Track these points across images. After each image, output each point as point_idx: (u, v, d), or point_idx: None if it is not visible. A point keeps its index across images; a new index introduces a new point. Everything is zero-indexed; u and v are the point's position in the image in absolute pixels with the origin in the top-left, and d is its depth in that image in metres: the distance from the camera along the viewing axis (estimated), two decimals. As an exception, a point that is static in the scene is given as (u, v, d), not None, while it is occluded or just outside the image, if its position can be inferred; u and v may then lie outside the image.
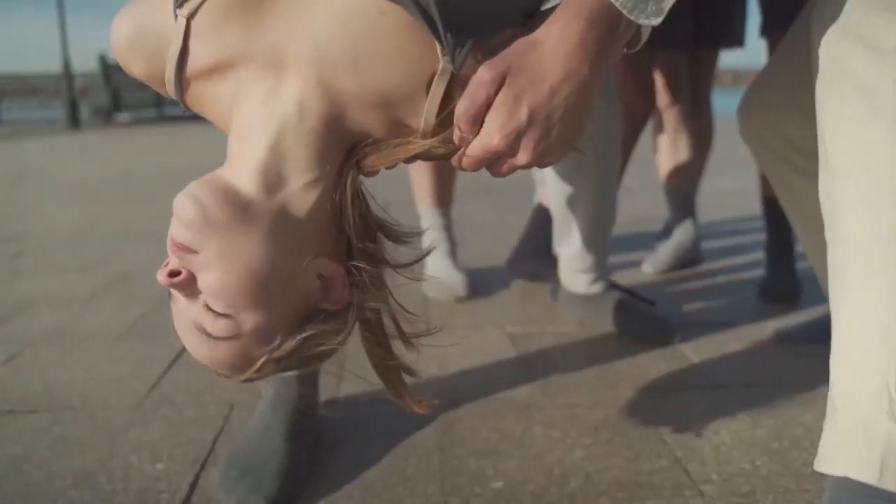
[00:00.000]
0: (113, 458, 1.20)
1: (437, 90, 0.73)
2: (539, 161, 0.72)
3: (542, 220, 2.14)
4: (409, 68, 0.73)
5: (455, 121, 0.72)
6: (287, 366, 0.76)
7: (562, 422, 1.30)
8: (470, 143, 0.72)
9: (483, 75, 0.70)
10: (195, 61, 0.79)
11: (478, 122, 0.71)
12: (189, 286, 0.72)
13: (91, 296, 2.15)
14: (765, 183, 1.94)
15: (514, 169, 0.74)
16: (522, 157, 0.72)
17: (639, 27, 0.71)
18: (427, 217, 2.11)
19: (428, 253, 0.84)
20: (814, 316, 1.68)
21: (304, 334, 0.75)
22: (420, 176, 2.10)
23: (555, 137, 0.71)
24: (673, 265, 2.30)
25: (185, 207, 0.70)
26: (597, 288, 1.79)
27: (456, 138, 0.73)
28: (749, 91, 1.17)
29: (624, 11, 0.68)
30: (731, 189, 3.86)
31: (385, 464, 1.17)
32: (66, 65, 12.75)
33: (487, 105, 0.70)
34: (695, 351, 1.62)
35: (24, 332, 1.84)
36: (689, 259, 2.34)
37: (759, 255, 2.39)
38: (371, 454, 1.20)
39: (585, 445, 1.22)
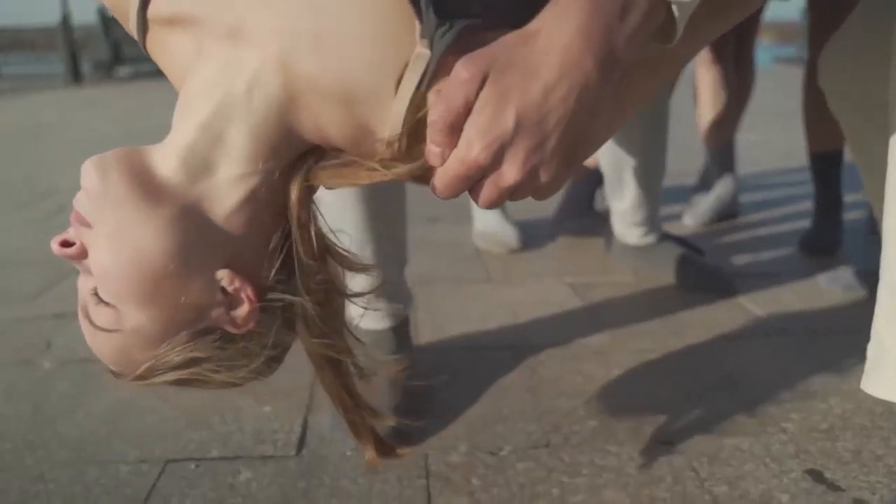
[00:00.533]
0: (220, 401, 1.26)
1: (408, 85, 0.58)
2: (531, 179, 0.57)
3: (585, 177, 2.20)
4: (380, 53, 0.58)
5: (428, 131, 0.57)
6: (178, 380, 0.65)
7: (637, 366, 1.37)
8: (446, 158, 0.57)
9: (461, 72, 0.55)
10: (156, 4, 0.67)
11: (455, 132, 0.56)
12: (80, 261, 0.63)
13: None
14: (812, 139, 1.98)
15: (501, 193, 0.58)
16: (509, 172, 0.56)
17: (669, 9, 0.57)
18: None
19: (383, 282, 0.71)
20: (860, 267, 1.74)
21: (190, 352, 0.64)
22: None
23: (551, 150, 0.56)
24: (713, 218, 2.36)
25: (88, 174, 0.61)
26: (650, 239, 1.84)
27: (429, 155, 0.58)
28: (834, 39, 1.21)
29: None
30: (755, 142, 3.90)
31: (481, 405, 1.24)
32: (66, 17, 12.58)
33: (467, 110, 0.55)
34: (751, 300, 1.69)
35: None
36: (728, 212, 2.39)
37: (793, 209, 2.45)
38: (464, 396, 1.26)
39: (665, 388, 1.29)
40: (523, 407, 1.23)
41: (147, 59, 0.72)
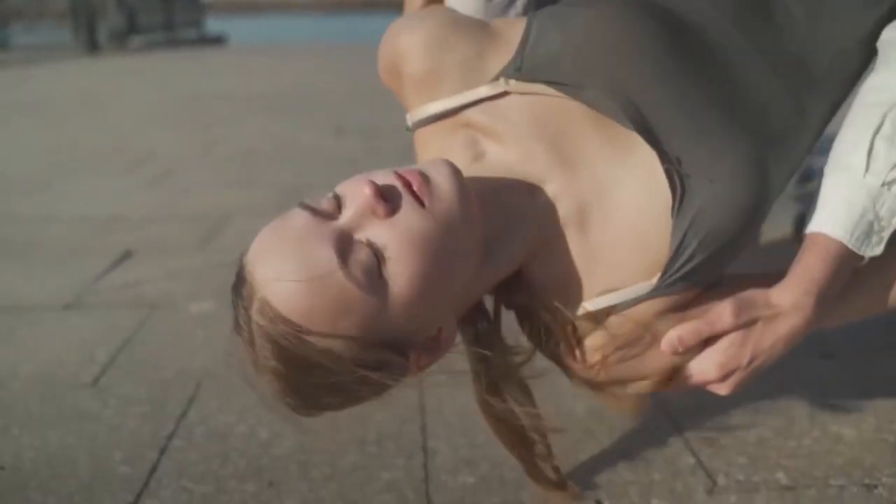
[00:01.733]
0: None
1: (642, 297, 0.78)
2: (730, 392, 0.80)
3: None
4: (639, 257, 0.78)
5: (679, 332, 0.77)
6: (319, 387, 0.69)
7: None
8: (682, 356, 0.79)
9: (729, 314, 0.76)
10: (479, 121, 0.79)
11: (702, 346, 0.78)
12: (378, 216, 0.68)
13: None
14: None
15: (700, 388, 0.82)
16: (723, 389, 0.80)
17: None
18: None
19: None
20: None
21: (364, 354, 0.68)
22: None
23: (755, 372, 0.79)
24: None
25: (447, 173, 0.70)
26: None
27: (667, 346, 0.78)
28: None
29: (856, 250, 0.74)
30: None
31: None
32: (80, -14, 12.57)
33: (718, 336, 0.77)
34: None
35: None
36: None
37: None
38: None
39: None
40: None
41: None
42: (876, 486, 0.94)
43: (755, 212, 0.77)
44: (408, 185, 0.68)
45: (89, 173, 2.97)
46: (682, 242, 0.76)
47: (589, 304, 0.79)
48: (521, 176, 0.78)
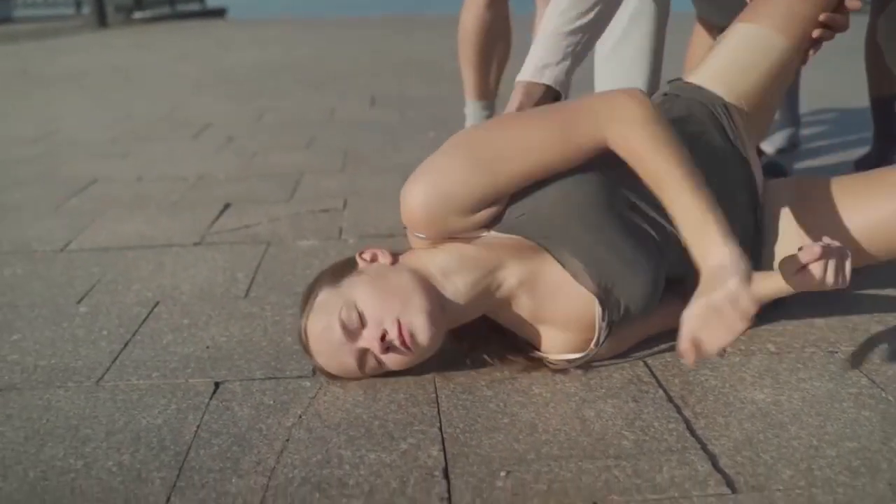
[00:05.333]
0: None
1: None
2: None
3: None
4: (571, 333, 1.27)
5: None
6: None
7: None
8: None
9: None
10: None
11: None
12: (382, 351, 1.18)
13: (341, 167, 2.77)
14: (872, 85, 2.54)
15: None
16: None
17: None
18: (472, 109, 2.52)
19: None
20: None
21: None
22: (465, 70, 2.50)
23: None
24: (783, 147, 2.94)
25: (425, 328, 1.18)
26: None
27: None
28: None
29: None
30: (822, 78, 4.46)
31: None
32: (88, -41, 12.77)
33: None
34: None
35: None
36: (794, 141, 2.98)
37: (854, 137, 3.04)
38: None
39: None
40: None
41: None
42: (835, 353, 1.35)
43: (654, 299, 1.27)
44: (402, 340, 1.16)
45: (160, 141, 3.35)
46: (604, 330, 1.25)
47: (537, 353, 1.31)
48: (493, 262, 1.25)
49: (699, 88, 1.42)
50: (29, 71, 6.27)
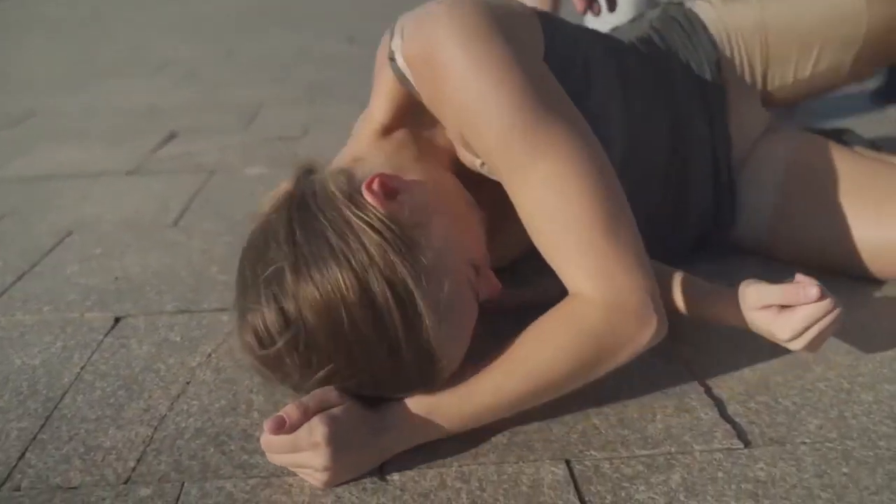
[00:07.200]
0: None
1: None
2: None
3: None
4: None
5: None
6: None
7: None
8: None
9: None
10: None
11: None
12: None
13: (308, 100, 2.52)
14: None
15: None
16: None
17: None
18: None
19: None
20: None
21: None
22: None
23: None
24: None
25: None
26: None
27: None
28: None
29: None
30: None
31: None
32: None
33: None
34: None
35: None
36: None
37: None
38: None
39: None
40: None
41: None
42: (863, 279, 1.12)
43: None
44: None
45: (116, 77, 3.08)
46: None
47: None
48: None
49: (702, 27, 1.13)
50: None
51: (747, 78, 1.14)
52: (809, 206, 1.09)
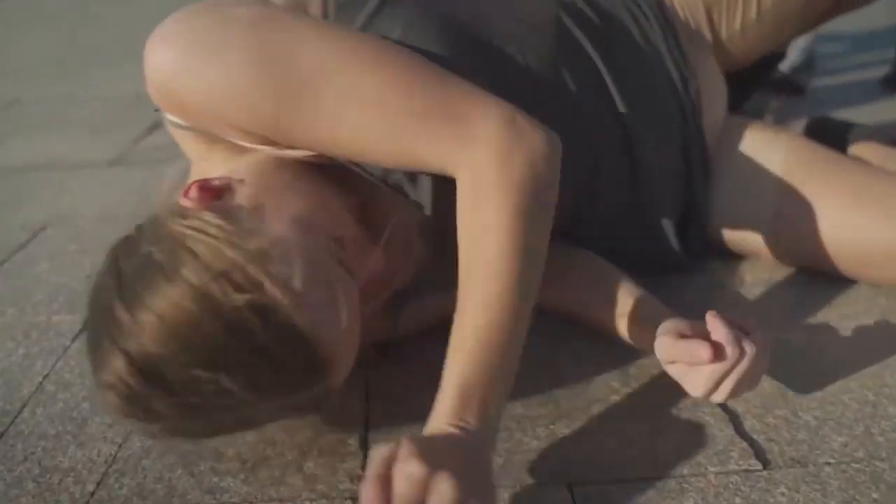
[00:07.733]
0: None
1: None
2: None
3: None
4: None
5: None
6: None
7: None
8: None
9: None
10: None
11: None
12: None
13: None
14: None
15: None
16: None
17: None
18: None
19: None
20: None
21: None
22: None
23: None
24: (798, 64, 2.62)
25: None
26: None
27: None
28: None
29: None
30: None
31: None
32: None
33: None
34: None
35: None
36: (810, 62, 2.66)
37: (877, 56, 2.72)
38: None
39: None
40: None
41: None
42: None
43: None
44: None
45: (103, 65, 3.00)
46: None
47: None
48: None
49: None
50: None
51: (692, 23, 1.06)
52: (809, 212, 1.02)
